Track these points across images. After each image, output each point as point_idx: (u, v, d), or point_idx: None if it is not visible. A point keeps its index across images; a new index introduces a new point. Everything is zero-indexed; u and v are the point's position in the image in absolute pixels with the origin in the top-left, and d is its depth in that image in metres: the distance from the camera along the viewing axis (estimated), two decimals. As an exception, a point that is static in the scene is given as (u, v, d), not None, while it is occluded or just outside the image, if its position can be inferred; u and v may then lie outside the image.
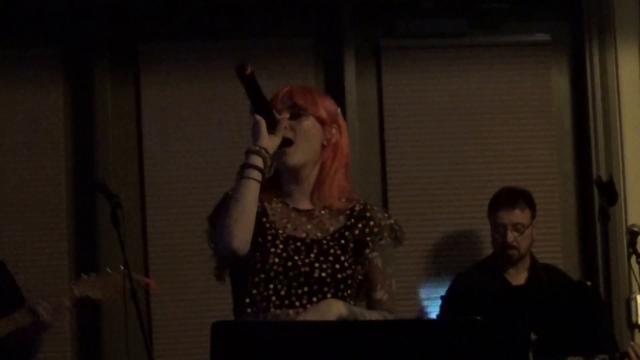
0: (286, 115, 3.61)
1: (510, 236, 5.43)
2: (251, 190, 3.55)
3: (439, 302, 5.38)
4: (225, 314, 3.68)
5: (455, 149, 6.03)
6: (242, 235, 3.55)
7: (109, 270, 4.74)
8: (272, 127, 3.54)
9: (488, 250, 5.62)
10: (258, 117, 3.54)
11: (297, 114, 3.62)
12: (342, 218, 3.68)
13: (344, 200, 3.67)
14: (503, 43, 6.12)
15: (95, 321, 5.81)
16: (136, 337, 4.87)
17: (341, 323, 3.42)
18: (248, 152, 3.55)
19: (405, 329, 3.19)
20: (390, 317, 3.70)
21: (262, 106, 3.53)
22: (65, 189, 5.84)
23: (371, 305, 3.67)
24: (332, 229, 3.65)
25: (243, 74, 3.54)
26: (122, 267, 4.67)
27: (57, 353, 5.77)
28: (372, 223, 3.67)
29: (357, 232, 3.65)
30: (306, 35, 5.96)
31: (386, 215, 3.73)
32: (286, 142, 3.60)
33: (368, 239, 3.65)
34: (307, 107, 3.64)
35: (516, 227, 5.44)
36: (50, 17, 5.86)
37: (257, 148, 3.54)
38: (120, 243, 4.61)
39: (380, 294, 3.67)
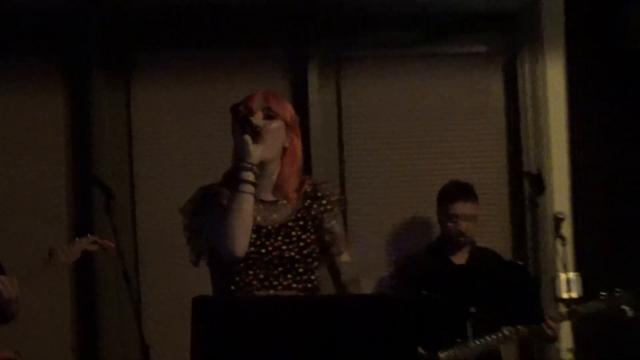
0: (260, 114, 3.64)
1: (465, 225, 5.49)
2: (248, 203, 3.58)
3: (392, 280, 5.66)
4: (208, 292, 3.72)
5: (406, 146, 6.04)
6: (244, 243, 3.60)
7: (77, 239, 4.70)
8: (255, 136, 3.59)
9: (436, 233, 5.68)
10: (245, 136, 3.58)
11: (269, 115, 3.65)
12: (298, 202, 3.72)
13: (299, 184, 3.75)
14: (448, 53, 6.11)
15: (92, 302, 5.85)
16: (129, 314, 4.93)
17: (310, 298, 3.55)
18: (241, 170, 3.58)
19: (361, 304, 3.25)
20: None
21: (248, 126, 3.60)
22: (65, 183, 5.86)
23: (338, 267, 3.74)
24: (291, 214, 3.70)
25: (239, 114, 3.63)
26: (88, 235, 4.70)
27: (57, 320, 5.82)
28: (324, 201, 3.72)
29: (313, 212, 3.71)
30: (276, 47, 6.00)
31: (328, 192, 3.78)
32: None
33: (324, 215, 3.71)
34: (279, 111, 3.68)
35: (468, 217, 5.50)
36: (50, 29, 5.86)
37: (249, 165, 3.57)
38: (113, 229, 4.55)
39: (346, 257, 3.75)
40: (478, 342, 5.09)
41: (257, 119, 3.60)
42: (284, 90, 5.89)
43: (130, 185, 5.89)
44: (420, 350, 4.96)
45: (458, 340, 5.06)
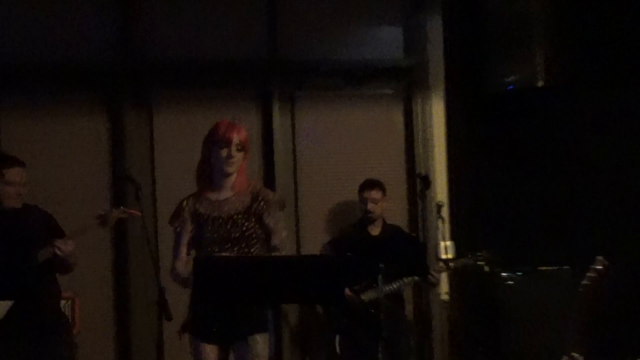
0: (234, 147, 3.89)
1: (370, 206, 5.74)
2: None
3: (330, 246, 5.90)
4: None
5: (340, 157, 6.22)
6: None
7: (113, 209, 4.59)
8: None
9: (360, 214, 5.82)
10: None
11: (238, 149, 3.94)
12: (246, 200, 3.93)
13: (246, 187, 4.00)
14: (366, 94, 6.27)
15: (126, 257, 5.91)
16: (150, 265, 4.64)
17: (273, 257, 3.72)
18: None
19: (309, 262, 3.39)
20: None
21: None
22: (106, 179, 5.97)
23: (271, 249, 3.91)
24: (240, 207, 3.94)
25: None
26: (121, 207, 4.63)
27: (101, 269, 5.91)
28: (262, 203, 3.95)
29: (255, 210, 3.93)
30: (250, 88, 6.12)
31: (271, 196, 3.97)
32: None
33: (263, 212, 3.93)
34: (245, 144, 4.00)
35: (374, 200, 5.74)
36: (93, 73, 5.93)
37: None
38: (140, 211, 4.45)
39: (274, 242, 3.95)
40: (387, 287, 5.27)
41: (233, 148, 3.92)
42: (255, 117, 6.11)
43: (152, 180, 6.00)
44: (348, 292, 5.31)
45: (373, 285, 5.22)
